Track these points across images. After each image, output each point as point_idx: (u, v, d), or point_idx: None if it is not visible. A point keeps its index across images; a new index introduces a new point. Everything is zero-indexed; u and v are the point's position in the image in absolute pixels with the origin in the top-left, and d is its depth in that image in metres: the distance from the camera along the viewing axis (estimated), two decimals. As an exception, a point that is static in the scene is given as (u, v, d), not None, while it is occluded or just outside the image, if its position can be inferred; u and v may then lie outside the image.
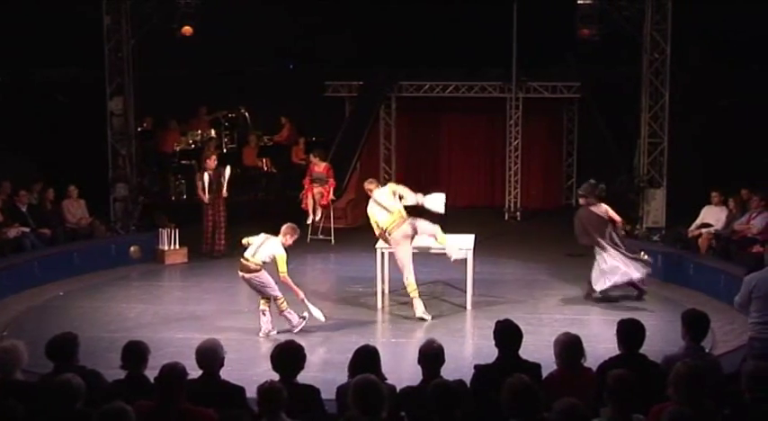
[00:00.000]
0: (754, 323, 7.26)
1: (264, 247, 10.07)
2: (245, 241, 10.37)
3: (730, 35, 15.31)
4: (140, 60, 15.14)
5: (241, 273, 10.12)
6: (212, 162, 14.48)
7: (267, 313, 10.17)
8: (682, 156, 15.08)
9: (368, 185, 11.51)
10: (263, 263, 10.03)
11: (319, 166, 15.60)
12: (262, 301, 10.18)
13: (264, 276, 10.05)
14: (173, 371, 5.37)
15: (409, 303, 11.04)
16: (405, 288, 11.04)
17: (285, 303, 10.15)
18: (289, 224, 10.34)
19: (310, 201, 15.31)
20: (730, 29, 15.23)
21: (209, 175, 14.23)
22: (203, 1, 14.99)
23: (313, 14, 17.23)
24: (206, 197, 14.16)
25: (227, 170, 14.34)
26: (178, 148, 18.08)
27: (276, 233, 10.19)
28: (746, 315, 7.54)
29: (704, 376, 5.17)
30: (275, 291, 10.08)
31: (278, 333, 10.14)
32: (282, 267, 10.00)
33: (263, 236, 10.22)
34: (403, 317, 11.00)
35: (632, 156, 15.03)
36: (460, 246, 11.37)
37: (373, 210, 11.26)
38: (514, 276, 13.23)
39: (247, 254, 10.09)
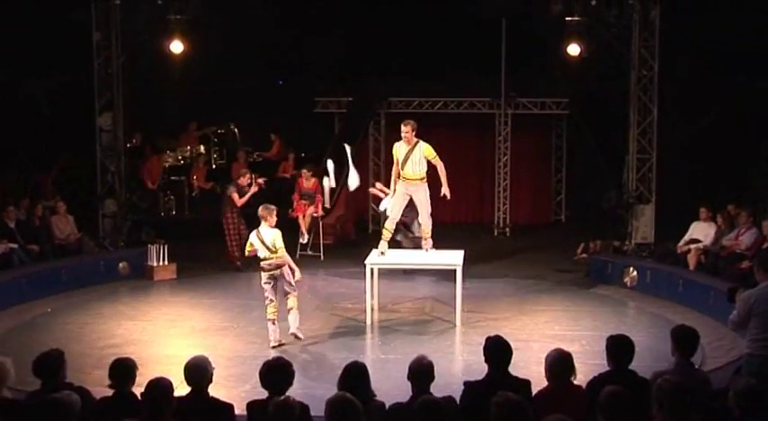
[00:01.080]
0: (754, 339, 7.20)
1: (267, 238, 10.08)
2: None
3: (718, 47, 15.37)
4: (130, 76, 15.13)
5: (272, 273, 10.12)
6: (246, 180, 14.84)
7: (276, 323, 10.18)
8: (670, 170, 15.12)
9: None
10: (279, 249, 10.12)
11: (309, 182, 15.61)
12: (270, 311, 10.17)
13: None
14: (158, 387, 5.35)
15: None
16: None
17: (276, 313, 10.16)
18: (261, 206, 10.37)
19: (302, 221, 15.30)
20: (718, 40, 15.30)
21: (238, 189, 14.64)
22: (193, 17, 14.99)
23: (302, 30, 17.28)
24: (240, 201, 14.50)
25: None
26: (167, 164, 18.04)
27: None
28: (741, 334, 7.51)
29: (687, 392, 5.16)
30: (273, 296, 10.18)
31: (282, 345, 10.18)
32: (281, 243, 10.12)
33: (252, 234, 10.24)
34: (392, 330, 11.00)
35: (621, 172, 15.07)
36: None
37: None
38: (504, 292, 13.21)
39: (264, 254, 10.12)
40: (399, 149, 11.45)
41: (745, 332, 7.37)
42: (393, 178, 11.82)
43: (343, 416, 4.94)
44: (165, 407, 5.29)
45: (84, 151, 15.37)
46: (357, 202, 17.99)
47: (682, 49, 15.34)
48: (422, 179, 11.43)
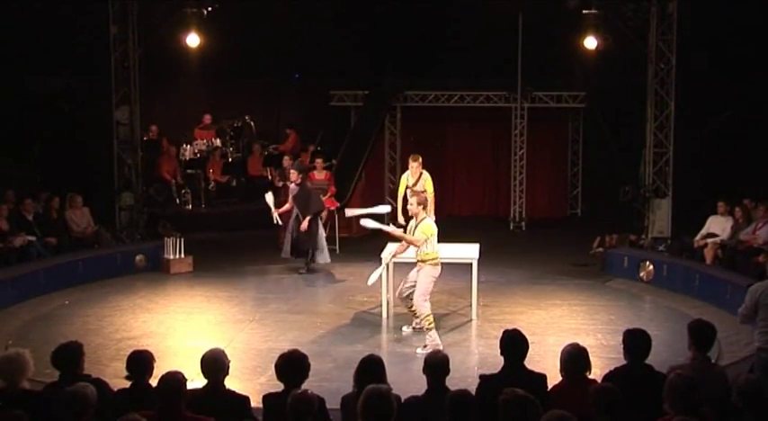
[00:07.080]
0: (762, 332, 7.24)
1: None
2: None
3: (736, 41, 15.27)
4: (146, 69, 15.16)
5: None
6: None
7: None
8: (687, 164, 15.06)
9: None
10: None
11: (320, 174, 15.62)
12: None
13: None
14: (172, 381, 5.38)
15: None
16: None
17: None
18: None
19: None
20: (736, 34, 15.19)
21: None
22: (210, 10, 15.00)
23: (319, 24, 17.28)
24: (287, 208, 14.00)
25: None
26: (185, 158, 18.07)
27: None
28: (751, 325, 7.52)
29: (698, 386, 5.15)
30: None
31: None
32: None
33: None
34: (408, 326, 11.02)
35: (637, 166, 15.01)
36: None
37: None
38: (520, 286, 13.20)
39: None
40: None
41: (754, 326, 7.39)
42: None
43: (378, 409, 4.90)
44: (177, 400, 5.33)
45: (102, 144, 15.42)
46: (373, 197, 17.99)
47: (700, 42, 15.25)
48: None
